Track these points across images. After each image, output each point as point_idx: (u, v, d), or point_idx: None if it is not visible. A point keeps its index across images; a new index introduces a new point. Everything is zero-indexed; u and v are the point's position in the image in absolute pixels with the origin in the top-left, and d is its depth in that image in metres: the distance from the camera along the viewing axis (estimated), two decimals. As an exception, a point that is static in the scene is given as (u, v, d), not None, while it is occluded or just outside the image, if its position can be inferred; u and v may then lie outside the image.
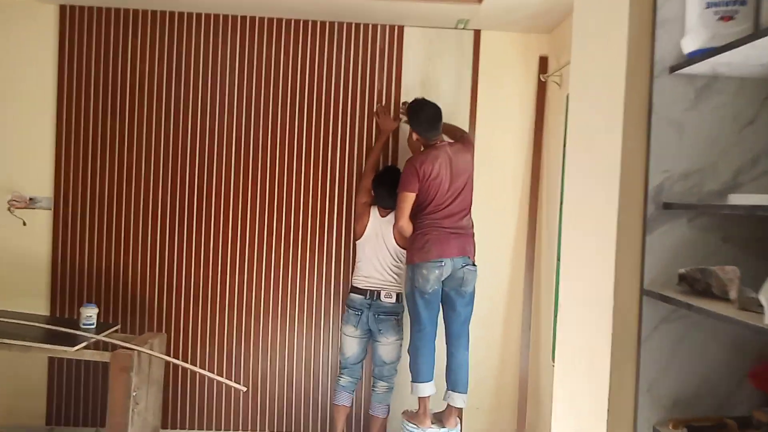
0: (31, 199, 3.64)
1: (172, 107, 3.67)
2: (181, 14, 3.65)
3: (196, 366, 3.46)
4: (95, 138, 3.65)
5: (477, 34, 3.75)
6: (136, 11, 3.64)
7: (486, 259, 3.54)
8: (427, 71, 3.76)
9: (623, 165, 1.49)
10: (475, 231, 3.38)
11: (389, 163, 3.69)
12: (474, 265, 3.31)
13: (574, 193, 1.85)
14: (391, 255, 3.45)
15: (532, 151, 3.79)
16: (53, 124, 3.64)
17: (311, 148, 3.71)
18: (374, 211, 3.50)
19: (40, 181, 3.64)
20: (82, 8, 3.62)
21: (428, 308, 3.23)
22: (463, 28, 3.73)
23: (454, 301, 3.28)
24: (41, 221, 3.66)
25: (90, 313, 3.21)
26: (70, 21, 3.61)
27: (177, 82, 3.67)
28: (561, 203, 3.43)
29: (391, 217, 3.40)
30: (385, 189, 3.41)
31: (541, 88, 3.77)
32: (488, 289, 3.65)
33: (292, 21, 3.69)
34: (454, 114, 3.71)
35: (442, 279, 3.21)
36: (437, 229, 3.21)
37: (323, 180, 3.72)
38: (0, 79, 3.60)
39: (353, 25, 3.71)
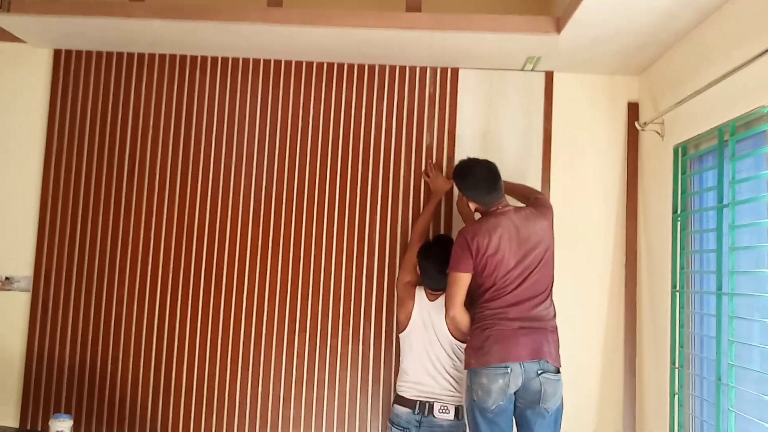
0: (6, 278, 3.07)
1: (179, 167, 3.08)
2: (193, 58, 3.10)
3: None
4: (86, 204, 3.08)
5: (549, 76, 3.10)
6: (141, 55, 3.11)
7: (568, 363, 2.63)
8: (488, 121, 3.10)
9: None
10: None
11: (442, 232, 2.99)
12: (558, 371, 2.46)
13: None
14: (446, 352, 2.64)
15: (624, 219, 3.03)
16: (38, 186, 3.09)
17: (345, 214, 3.04)
18: (420, 294, 2.72)
19: (19, 258, 3.07)
20: (79, 53, 3.13)
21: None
22: (532, 70, 3.06)
23: (531, 424, 2.44)
24: (17, 306, 3.05)
25: (61, 428, 2.58)
26: (64, 69, 3.13)
27: (186, 138, 3.09)
28: (674, 286, 2.60)
29: (442, 300, 2.62)
30: (433, 264, 2.65)
31: (633, 141, 3.06)
32: (573, 403, 2.69)
33: (324, 65, 3.09)
34: (523, 173, 3.03)
35: (512, 392, 2.39)
36: (500, 321, 2.44)
37: (359, 253, 3.02)
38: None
39: (396, 69, 3.09)
